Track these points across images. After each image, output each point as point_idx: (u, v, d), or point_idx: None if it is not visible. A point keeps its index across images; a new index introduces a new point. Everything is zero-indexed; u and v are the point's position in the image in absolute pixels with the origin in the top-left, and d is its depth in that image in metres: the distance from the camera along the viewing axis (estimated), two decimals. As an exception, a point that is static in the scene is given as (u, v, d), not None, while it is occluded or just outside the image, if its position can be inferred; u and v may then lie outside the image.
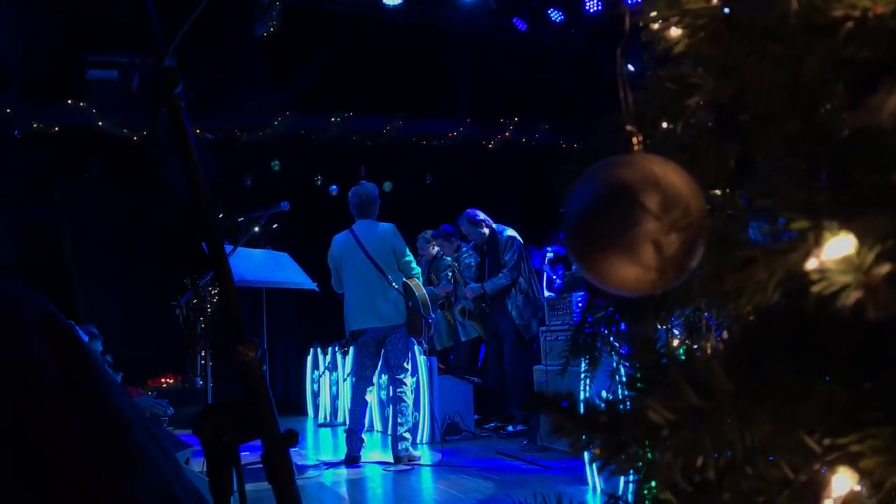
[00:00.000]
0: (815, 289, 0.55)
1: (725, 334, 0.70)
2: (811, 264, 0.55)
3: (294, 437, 0.90)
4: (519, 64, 9.59)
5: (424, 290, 5.66)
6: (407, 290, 5.52)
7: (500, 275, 6.62)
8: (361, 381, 5.58)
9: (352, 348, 7.61)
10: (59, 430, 1.05)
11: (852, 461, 0.56)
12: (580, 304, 5.61)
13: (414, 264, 5.63)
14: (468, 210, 6.88)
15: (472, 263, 7.12)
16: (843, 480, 0.57)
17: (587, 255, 0.67)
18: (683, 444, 0.58)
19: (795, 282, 0.56)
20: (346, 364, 7.81)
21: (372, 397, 5.69)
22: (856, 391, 0.57)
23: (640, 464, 0.61)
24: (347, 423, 5.71)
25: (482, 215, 6.81)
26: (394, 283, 5.41)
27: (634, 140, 0.70)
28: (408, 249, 5.66)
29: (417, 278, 5.65)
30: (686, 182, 0.66)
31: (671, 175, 0.66)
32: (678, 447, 0.58)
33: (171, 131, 0.94)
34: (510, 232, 6.78)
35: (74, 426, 1.06)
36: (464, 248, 7.27)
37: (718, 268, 0.62)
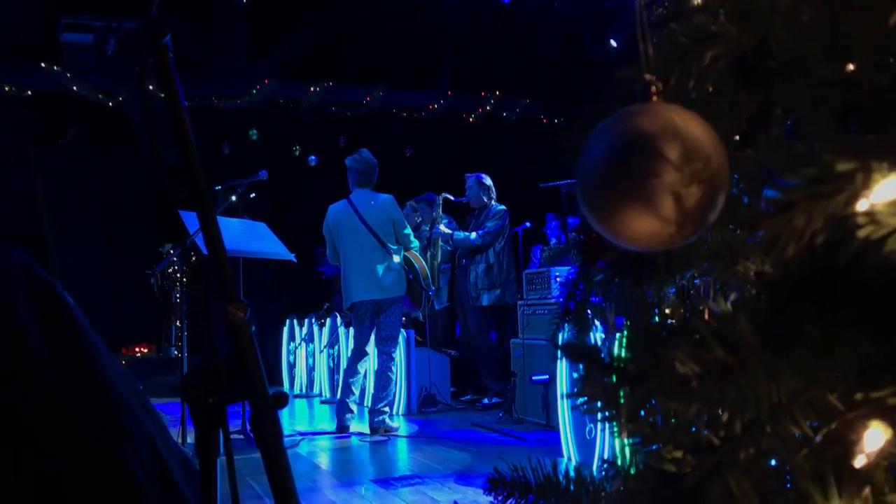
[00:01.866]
0: (862, 233, 0.54)
1: (733, 296, 0.68)
2: (861, 206, 0.54)
3: (283, 399, 0.89)
4: (502, 37, 9.52)
5: (423, 262, 5.66)
6: (407, 262, 5.50)
7: (475, 234, 6.71)
8: (356, 352, 5.57)
9: (328, 319, 7.63)
10: (44, 388, 1.02)
11: (887, 415, 0.55)
12: (558, 279, 5.62)
13: (413, 237, 5.61)
14: (482, 173, 6.95)
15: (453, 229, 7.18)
16: (876, 435, 0.56)
17: (602, 208, 0.64)
18: (711, 398, 0.57)
19: (834, 228, 0.55)
20: (323, 336, 7.80)
21: (365, 368, 5.65)
22: (888, 345, 0.56)
23: (668, 414, 0.60)
24: (339, 394, 5.69)
25: (490, 182, 6.88)
26: (394, 255, 5.39)
27: (653, 89, 0.68)
28: (406, 221, 5.63)
29: (416, 251, 5.64)
30: (707, 132, 0.63)
31: (692, 125, 0.64)
32: (705, 400, 0.57)
33: (159, 83, 0.91)
34: (502, 207, 6.85)
35: (60, 385, 1.03)
36: (445, 219, 7.31)
37: (752, 213, 0.61)
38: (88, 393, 1.09)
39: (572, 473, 0.73)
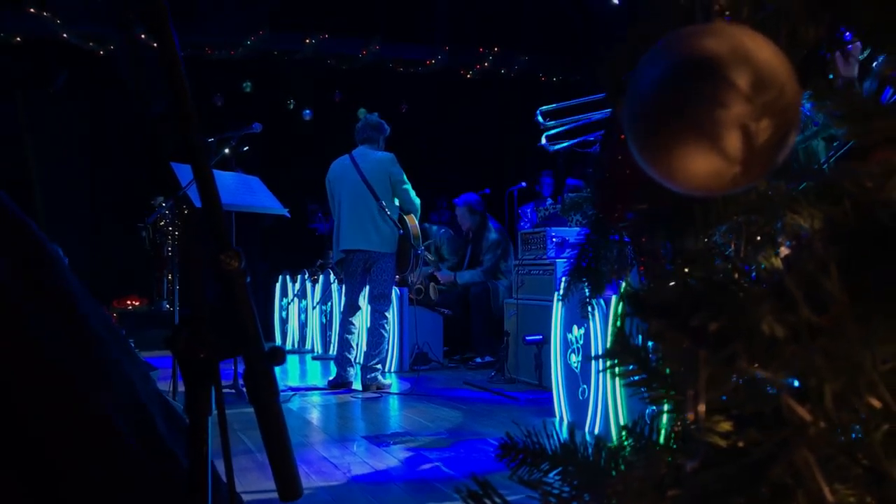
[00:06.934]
0: None
1: (783, 251, 0.61)
2: None
3: (280, 355, 0.83)
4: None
5: (418, 226, 5.60)
6: (401, 221, 5.45)
7: (476, 272, 6.98)
8: (349, 307, 5.54)
9: (321, 276, 7.58)
10: (17, 329, 0.96)
11: None
12: (554, 240, 5.57)
13: (413, 194, 5.50)
14: (471, 195, 7.11)
15: (447, 238, 7.45)
16: None
17: (657, 144, 0.56)
18: (800, 364, 0.50)
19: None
20: (315, 292, 7.76)
21: (360, 323, 5.61)
22: None
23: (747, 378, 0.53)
24: (336, 349, 5.66)
25: (475, 200, 7.11)
26: (387, 210, 5.33)
27: (717, 7, 0.60)
28: (406, 178, 5.54)
29: (415, 213, 5.58)
30: (781, 59, 0.55)
31: (764, 49, 0.55)
32: (795, 367, 0.50)
33: (151, 28, 0.83)
34: (496, 234, 7.04)
35: (35, 327, 0.98)
36: (442, 231, 7.53)
37: (861, 144, 0.53)
38: (65, 333, 1.03)
39: (591, 440, 0.67)
